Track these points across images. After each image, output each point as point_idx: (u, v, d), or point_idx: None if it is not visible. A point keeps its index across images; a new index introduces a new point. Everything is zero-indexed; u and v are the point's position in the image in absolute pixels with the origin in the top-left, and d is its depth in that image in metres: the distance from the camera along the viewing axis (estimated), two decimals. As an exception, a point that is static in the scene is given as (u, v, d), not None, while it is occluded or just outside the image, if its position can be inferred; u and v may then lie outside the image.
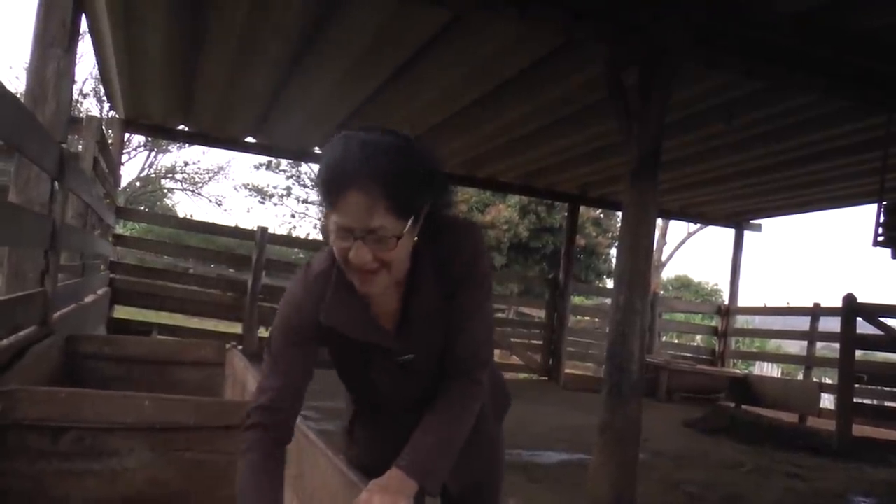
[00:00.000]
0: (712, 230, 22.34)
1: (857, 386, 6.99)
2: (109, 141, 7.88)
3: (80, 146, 5.61)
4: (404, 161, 1.20)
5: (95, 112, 18.69)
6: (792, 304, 12.37)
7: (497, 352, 8.64)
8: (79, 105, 19.01)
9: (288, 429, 1.35)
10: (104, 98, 13.53)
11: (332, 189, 1.19)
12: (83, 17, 4.34)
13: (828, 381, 10.41)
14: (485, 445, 1.54)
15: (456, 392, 1.36)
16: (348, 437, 1.53)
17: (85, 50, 11.47)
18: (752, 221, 10.84)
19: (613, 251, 17.79)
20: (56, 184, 3.19)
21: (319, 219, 1.27)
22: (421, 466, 1.27)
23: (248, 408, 1.34)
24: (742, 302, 11.08)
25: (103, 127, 6.94)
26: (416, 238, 1.26)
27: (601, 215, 18.41)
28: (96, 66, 7.02)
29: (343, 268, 1.25)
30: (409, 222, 1.21)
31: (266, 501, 1.26)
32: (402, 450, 1.31)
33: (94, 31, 5.82)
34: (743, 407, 8.69)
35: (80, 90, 19.36)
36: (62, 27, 3.45)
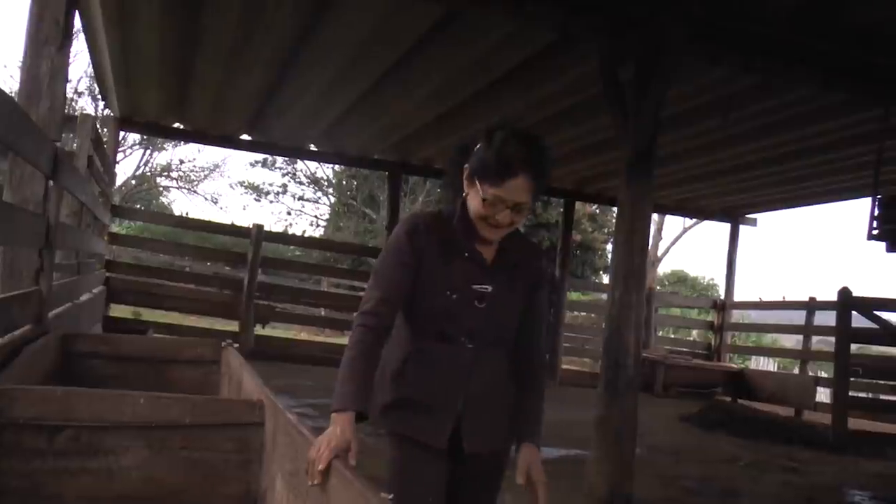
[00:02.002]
0: (708, 225, 22.35)
1: (852, 379, 7.01)
2: (104, 139, 7.85)
3: (75, 144, 5.57)
4: (549, 162, 1.69)
5: (90, 110, 18.62)
6: (787, 299, 12.40)
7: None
8: (73, 103, 18.90)
9: (385, 330, 1.71)
10: (99, 96, 13.50)
11: (503, 173, 1.62)
12: (77, 15, 4.32)
13: (823, 374, 10.45)
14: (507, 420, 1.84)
15: (540, 373, 1.86)
16: (397, 380, 1.76)
17: (79, 48, 11.43)
18: (747, 216, 10.84)
19: (609, 247, 17.79)
20: (50, 182, 3.18)
21: (461, 174, 1.71)
22: (538, 436, 1.79)
23: (357, 312, 1.69)
24: (738, 296, 11.11)
25: (98, 125, 6.90)
26: None
27: (597, 211, 18.43)
28: (90, 64, 7.00)
29: (480, 223, 1.69)
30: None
31: (356, 381, 1.61)
32: (449, 382, 1.73)
33: (88, 29, 5.80)
34: (739, 401, 8.73)
35: (75, 88, 19.26)
36: (56, 25, 3.43)
